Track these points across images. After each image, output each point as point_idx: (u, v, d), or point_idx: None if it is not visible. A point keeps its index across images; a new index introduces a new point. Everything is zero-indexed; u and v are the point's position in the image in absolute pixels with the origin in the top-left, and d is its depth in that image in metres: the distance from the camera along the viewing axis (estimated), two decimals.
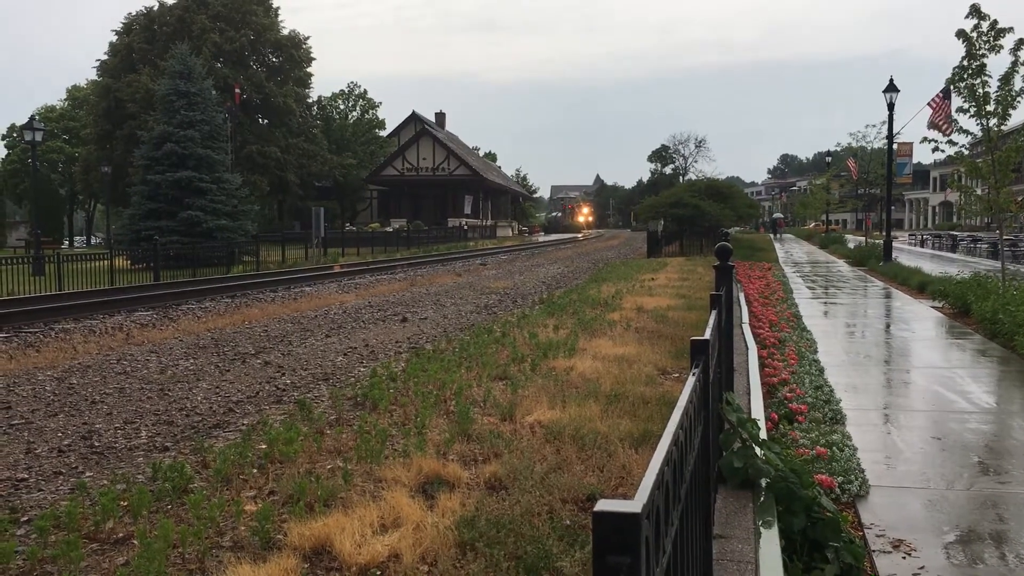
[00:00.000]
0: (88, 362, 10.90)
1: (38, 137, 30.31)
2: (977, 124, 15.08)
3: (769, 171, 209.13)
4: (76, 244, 78.03)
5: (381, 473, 5.44)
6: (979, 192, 16.93)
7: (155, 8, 57.76)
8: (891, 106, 27.59)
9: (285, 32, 61.16)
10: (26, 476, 6.06)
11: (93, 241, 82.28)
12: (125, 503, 5.07)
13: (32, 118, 30.56)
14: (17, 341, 12.74)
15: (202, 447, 6.47)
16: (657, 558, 1.61)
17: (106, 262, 23.35)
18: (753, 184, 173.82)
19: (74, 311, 16.06)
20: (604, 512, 1.32)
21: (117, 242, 36.10)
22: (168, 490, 5.32)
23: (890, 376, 9.67)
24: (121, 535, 4.70)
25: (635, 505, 1.37)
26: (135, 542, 4.47)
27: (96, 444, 6.93)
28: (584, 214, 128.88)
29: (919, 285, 19.25)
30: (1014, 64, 14.39)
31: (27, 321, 14.69)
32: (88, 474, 6.09)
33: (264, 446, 6.25)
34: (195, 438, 6.92)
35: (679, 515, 2.10)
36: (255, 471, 5.74)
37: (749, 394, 7.21)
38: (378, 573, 4.09)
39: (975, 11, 14.64)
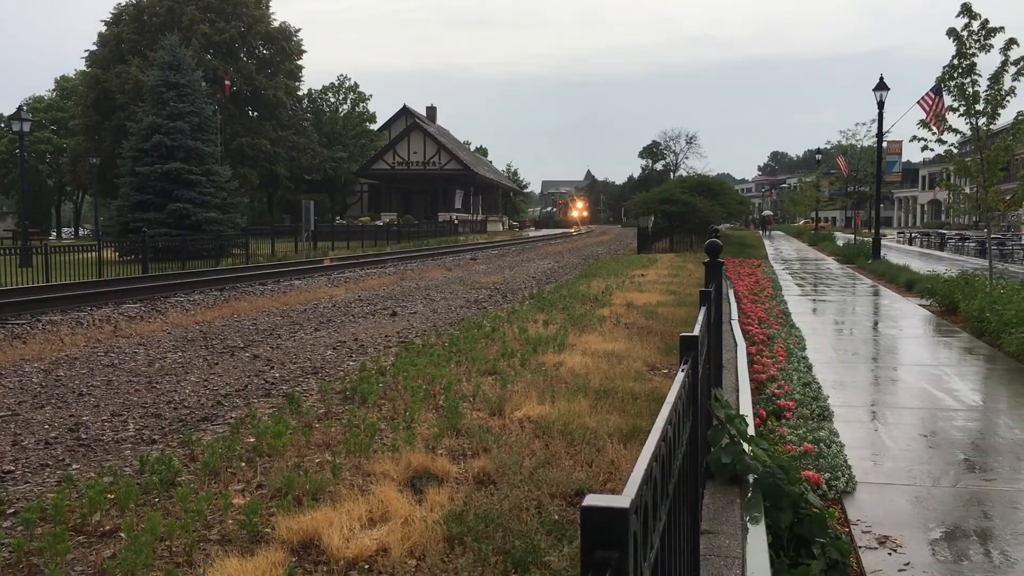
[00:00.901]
0: (75, 354, 10.84)
1: (26, 128, 30.10)
2: (967, 123, 15.14)
3: (759, 168, 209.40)
4: (64, 236, 77.63)
5: (370, 467, 5.44)
6: (967, 191, 17.02)
7: None
8: (881, 104, 27.69)
9: (276, 24, 60.92)
10: (12, 468, 6.04)
11: (81, 233, 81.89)
12: (112, 496, 5.05)
13: (20, 108, 30.42)
14: (3, 333, 12.67)
15: (190, 440, 6.44)
16: (645, 553, 1.62)
17: (94, 254, 23.24)
18: (743, 181, 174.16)
19: (61, 303, 15.98)
20: (592, 507, 1.32)
21: (105, 234, 35.98)
22: (155, 483, 5.30)
23: (878, 373, 9.71)
24: (108, 528, 4.68)
25: (623, 500, 1.38)
26: (122, 535, 4.45)
27: (83, 436, 6.90)
28: (578, 209, 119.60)
29: (907, 283, 19.35)
30: (1004, 63, 14.45)
31: (14, 313, 14.60)
32: (75, 466, 6.06)
33: (252, 439, 6.24)
34: (183, 431, 6.90)
35: (667, 510, 2.11)
36: (243, 464, 5.73)
37: (738, 390, 7.23)
38: (366, 567, 4.09)
39: (966, 10, 14.69)
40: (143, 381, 9.12)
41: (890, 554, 4.59)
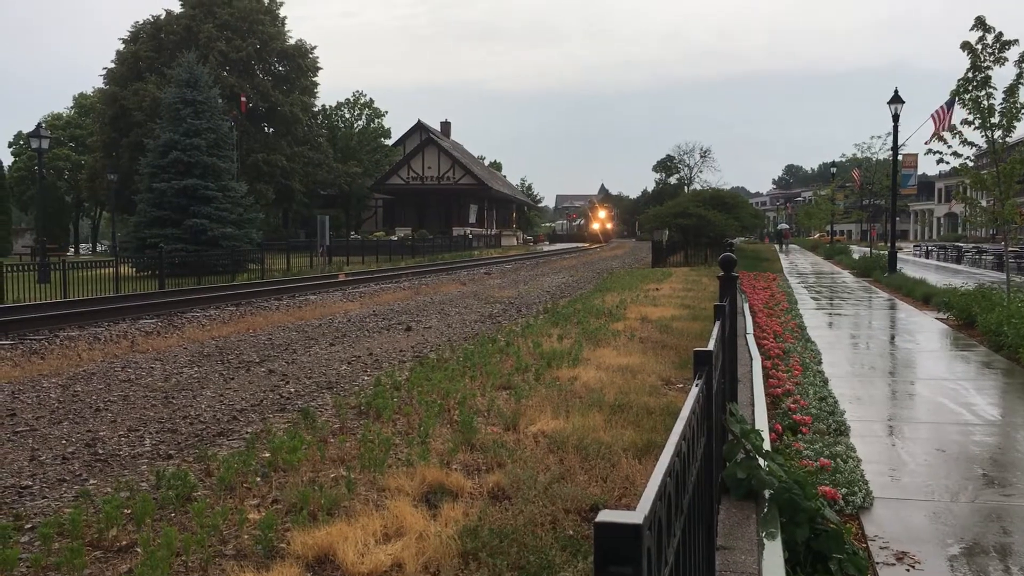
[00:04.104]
0: (93, 369, 10.92)
1: (44, 144, 30.41)
2: (982, 136, 15.07)
3: (774, 181, 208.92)
4: (82, 251, 78.29)
5: (384, 482, 5.45)
6: (984, 204, 16.92)
7: (162, 17, 58.08)
8: (896, 117, 27.58)
9: (292, 41, 61.39)
10: (30, 483, 6.08)
11: (99, 248, 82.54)
12: (129, 511, 5.08)
13: (39, 126, 30.67)
14: (22, 348, 12.78)
15: (206, 455, 6.47)
16: (659, 569, 1.62)
17: (111, 269, 23.42)
18: (758, 194, 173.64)
19: (79, 318, 16.10)
20: (606, 523, 1.33)
21: (122, 250, 36.25)
22: (172, 498, 5.33)
23: (895, 388, 9.64)
24: (124, 543, 4.70)
25: (636, 516, 1.38)
26: (138, 550, 4.47)
27: (100, 452, 6.94)
28: (600, 220, 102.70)
29: (924, 296, 19.22)
30: (1019, 76, 14.38)
31: (32, 328, 14.73)
32: (92, 481, 6.10)
33: (268, 454, 6.26)
34: (199, 446, 6.93)
35: (681, 526, 2.10)
36: (259, 479, 5.75)
37: (753, 405, 7.20)
38: None
39: (980, 23, 14.66)
40: (159, 396, 9.17)
41: (908, 570, 4.55)
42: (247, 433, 7.38)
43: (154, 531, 4.73)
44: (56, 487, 6.01)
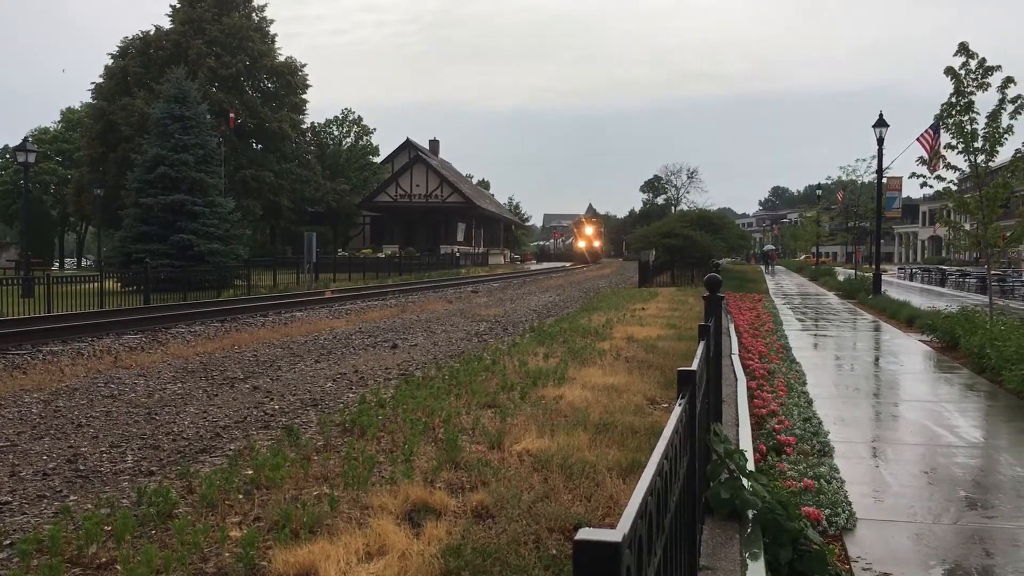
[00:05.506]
0: (75, 385, 10.84)
1: (31, 159, 30.30)
2: (965, 160, 15.24)
3: (760, 203, 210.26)
4: (67, 266, 77.84)
5: (368, 500, 5.42)
6: (967, 227, 17.07)
7: (152, 33, 58.09)
8: (880, 141, 27.86)
9: (281, 58, 61.50)
10: (9, 499, 6.02)
11: (84, 263, 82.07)
12: (109, 527, 5.03)
13: (25, 139, 30.56)
14: (4, 363, 12.67)
15: (188, 472, 6.43)
16: None
17: (96, 284, 23.26)
18: (744, 215, 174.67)
19: (62, 333, 15.99)
20: (585, 541, 1.33)
21: (108, 264, 36.08)
22: (153, 515, 5.29)
23: (879, 409, 9.69)
24: (104, 560, 4.66)
25: (616, 535, 1.38)
26: (118, 567, 4.43)
27: (81, 468, 6.88)
28: (587, 237, 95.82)
29: (908, 318, 19.35)
30: (1001, 101, 14.57)
31: (15, 343, 14.62)
32: (72, 498, 6.04)
33: (250, 472, 6.22)
34: (181, 463, 6.88)
35: (663, 545, 2.11)
36: (241, 497, 5.71)
37: (737, 425, 7.21)
38: None
39: (964, 49, 14.86)
40: (142, 412, 9.11)
41: None
42: (230, 450, 7.34)
43: (134, 548, 4.69)
44: (36, 503, 5.95)
